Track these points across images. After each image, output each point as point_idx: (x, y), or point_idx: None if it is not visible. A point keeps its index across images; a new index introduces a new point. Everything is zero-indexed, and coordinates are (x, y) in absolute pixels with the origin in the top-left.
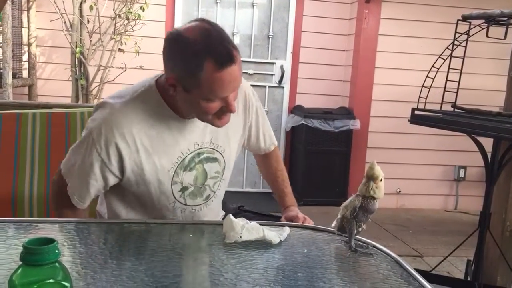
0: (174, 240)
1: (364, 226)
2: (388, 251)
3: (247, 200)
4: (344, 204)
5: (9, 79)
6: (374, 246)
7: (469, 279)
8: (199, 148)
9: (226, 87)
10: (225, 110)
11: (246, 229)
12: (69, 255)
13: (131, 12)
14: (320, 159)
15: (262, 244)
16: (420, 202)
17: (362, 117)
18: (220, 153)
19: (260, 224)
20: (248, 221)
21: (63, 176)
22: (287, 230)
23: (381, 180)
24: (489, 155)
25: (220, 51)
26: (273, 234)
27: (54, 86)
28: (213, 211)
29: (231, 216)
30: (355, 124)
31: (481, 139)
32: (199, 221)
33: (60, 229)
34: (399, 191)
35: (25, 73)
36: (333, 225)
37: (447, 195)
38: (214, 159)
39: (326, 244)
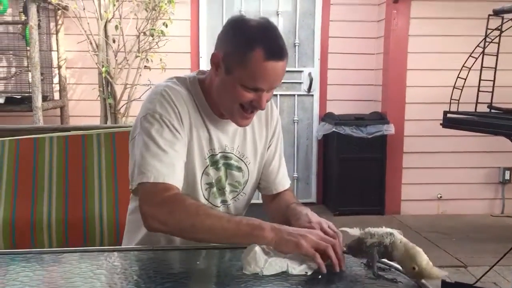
0: (181, 266)
1: None
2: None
3: (255, 211)
4: (372, 229)
5: (38, 102)
6: (397, 269)
7: None
8: (228, 152)
9: (267, 78)
10: (255, 105)
11: (269, 263)
12: (71, 285)
13: (155, 29)
14: (354, 167)
15: None
16: (463, 207)
17: (396, 122)
18: (246, 164)
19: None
20: (272, 251)
21: (150, 176)
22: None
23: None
24: None
25: (274, 44)
26: (300, 268)
27: (85, 106)
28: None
29: (256, 246)
30: (389, 129)
31: None
32: (209, 245)
33: (62, 259)
34: (440, 197)
35: (56, 95)
36: (350, 230)
37: (492, 199)
38: (239, 168)
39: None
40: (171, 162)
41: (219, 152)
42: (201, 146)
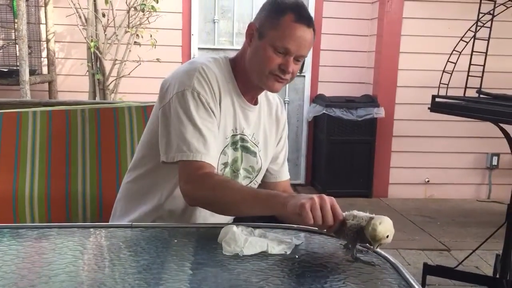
0: (158, 244)
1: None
2: (390, 258)
3: None
4: (355, 212)
5: (25, 76)
6: (375, 252)
7: (497, 275)
8: (245, 135)
9: (295, 39)
10: (283, 68)
11: (250, 242)
12: (45, 260)
13: (145, 4)
14: (343, 149)
15: None
16: (450, 192)
17: (387, 105)
18: (258, 152)
19: (266, 230)
20: (253, 230)
21: (188, 154)
22: (296, 240)
23: (387, 236)
24: None
25: (303, 12)
26: (279, 248)
27: (73, 81)
28: None
29: (234, 227)
30: (379, 112)
31: (509, 126)
32: (190, 224)
33: (38, 234)
34: (428, 181)
35: (45, 70)
36: None
37: (479, 184)
38: (254, 153)
39: (320, 248)
40: (206, 141)
41: (239, 134)
42: (225, 125)
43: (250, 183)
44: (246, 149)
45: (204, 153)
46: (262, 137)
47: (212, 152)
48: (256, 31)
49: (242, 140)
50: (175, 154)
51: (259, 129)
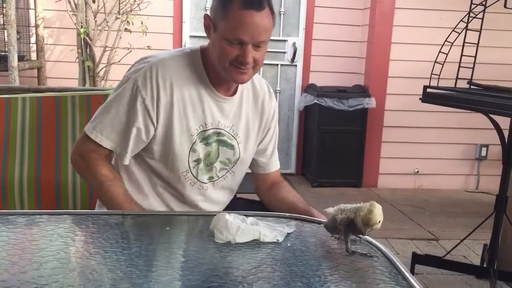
0: (150, 232)
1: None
2: (381, 246)
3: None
4: (342, 206)
5: (14, 61)
6: (367, 240)
7: (485, 265)
8: (221, 129)
9: (246, 28)
10: (241, 60)
11: (242, 230)
12: (36, 247)
13: None
14: (334, 139)
15: None
16: (439, 182)
17: (378, 95)
18: (237, 143)
19: (258, 219)
20: (245, 218)
21: (96, 134)
22: (288, 228)
23: (379, 222)
24: (506, 133)
25: None
26: (271, 236)
27: (63, 68)
28: (221, 196)
29: (226, 215)
30: (370, 103)
31: (499, 117)
32: (182, 212)
33: (29, 221)
34: (417, 171)
35: (33, 56)
36: (328, 210)
37: (467, 174)
38: (231, 146)
39: (312, 237)
40: (123, 131)
41: (211, 128)
42: (188, 125)
43: (226, 173)
44: (222, 143)
45: (105, 140)
46: (243, 128)
47: (124, 145)
48: (211, 22)
49: (217, 134)
50: (89, 125)
51: (239, 120)
